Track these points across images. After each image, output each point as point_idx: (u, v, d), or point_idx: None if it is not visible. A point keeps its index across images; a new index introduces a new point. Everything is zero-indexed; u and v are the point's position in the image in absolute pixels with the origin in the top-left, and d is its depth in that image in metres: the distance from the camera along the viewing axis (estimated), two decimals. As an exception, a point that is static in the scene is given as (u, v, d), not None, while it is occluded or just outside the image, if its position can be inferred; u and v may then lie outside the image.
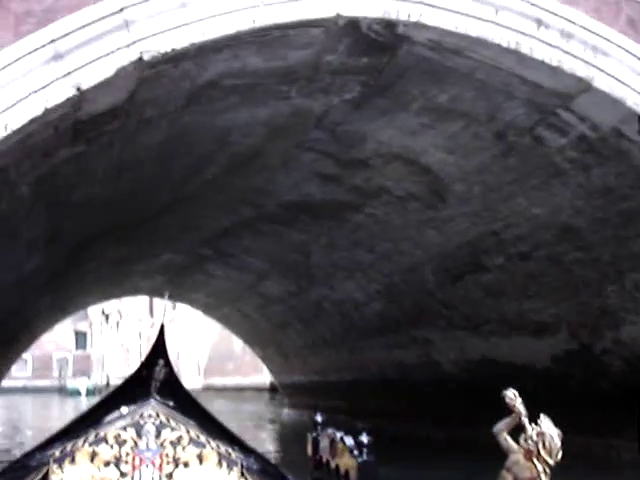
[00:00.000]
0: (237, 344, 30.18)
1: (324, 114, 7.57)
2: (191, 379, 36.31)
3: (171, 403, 4.41)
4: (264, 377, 27.80)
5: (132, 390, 4.55)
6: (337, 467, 2.46)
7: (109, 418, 4.35)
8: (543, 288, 9.52)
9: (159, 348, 4.91)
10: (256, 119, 7.57)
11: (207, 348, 34.22)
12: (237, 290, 17.50)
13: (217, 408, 28.70)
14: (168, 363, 4.72)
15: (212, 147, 8.34)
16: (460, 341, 11.98)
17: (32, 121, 5.16)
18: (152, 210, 10.96)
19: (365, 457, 2.31)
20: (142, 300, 45.00)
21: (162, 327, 5.10)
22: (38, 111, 5.14)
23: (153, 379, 4.50)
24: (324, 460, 2.78)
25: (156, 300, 42.19)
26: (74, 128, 5.85)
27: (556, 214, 8.22)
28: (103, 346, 60.85)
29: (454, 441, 12.90)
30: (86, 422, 4.49)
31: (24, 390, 60.26)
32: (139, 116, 6.39)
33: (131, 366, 45.04)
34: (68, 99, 5.21)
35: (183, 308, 37.28)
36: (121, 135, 6.64)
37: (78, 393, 48.76)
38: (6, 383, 63.12)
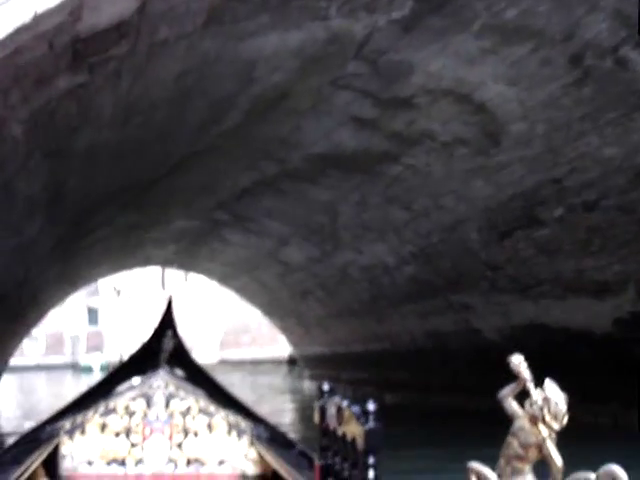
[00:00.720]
0: (253, 316, 29.32)
1: (366, 39, 6.45)
2: (206, 353, 35.57)
3: (180, 373, 4.43)
4: (282, 349, 26.95)
5: (141, 362, 4.52)
6: (344, 434, 2.38)
7: (119, 390, 4.34)
8: (608, 242, 8.42)
9: (167, 320, 4.85)
10: (287, 48, 6.47)
11: (222, 321, 33.36)
12: (255, 258, 16.49)
13: (233, 381, 27.88)
14: (176, 334, 4.70)
15: (234, 85, 7.24)
16: (505, 306, 10.94)
17: (19, 31, 4.10)
18: (165, 167, 9.91)
19: (372, 424, 2.18)
20: (154, 274, 44.19)
21: (170, 299, 5.05)
22: (26, 17, 4.07)
23: (162, 350, 4.49)
24: (331, 428, 2.65)
25: (168, 273, 41.35)
26: (73, 48, 4.79)
27: (633, 154, 7.09)
28: (115, 322, 60.37)
29: (494, 412, 11.98)
30: (96, 394, 4.46)
31: (37, 367, 59.82)
32: (151, 37, 5.31)
33: (144, 341, 44.36)
34: (64, 3, 4.15)
35: (196, 280, 36.38)
36: (130, 63, 5.57)
37: (91, 369, 48.12)
38: (19, 361, 62.72)
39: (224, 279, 20.58)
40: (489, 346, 11.71)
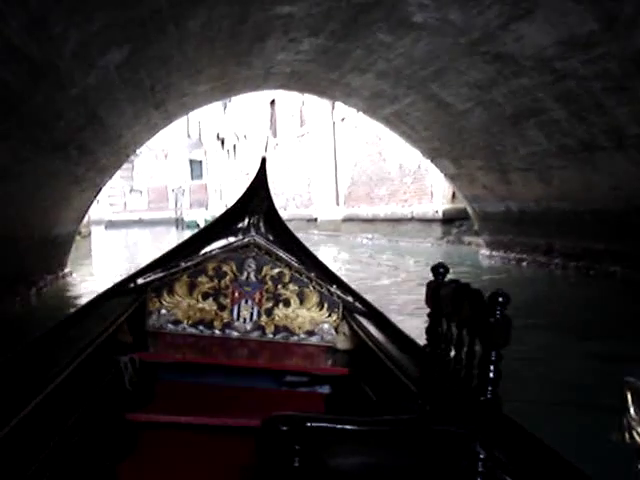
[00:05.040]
0: (393, 162, 23.02)
1: None
2: (327, 209, 29.93)
3: (271, 237, 4.26)
4: (433, 205, 20.76)
5: (232, 223, 4.37)
6: (461, 322, 1.92)
7: (208, 250, 4.16)
8: None
9: (260, 180, 4.57)
10: None
11: (349, 169, 27.23)
12: (449, 53, 9.93)
13: (362, 244, 21.99)
14: (269, 196, 4.52)
15: None
16: None
17: None
18: None
19: (499, 316, 1.65)
20: (263, 117, 38.44)
21: (264, 160, 4.72)
22: None
23: (253, 212, 4.34)
24: (444, 313, 2.04)
25: (280, 115, 35.31)
26: None
27: None
28: (220, 174, 56.12)
29: None
30: (185, 252, 4.25)
31: (140, 223, 57.63)
32: None
33: (253, 195, 39.18)
34: None
35: (315, 122, 30.26)
36: None
37: (196, 225, 43.95)
38: (122, 216, 60.70)
39: (372, 104, 14.14)
40: None
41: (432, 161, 15.51)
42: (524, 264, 13.58)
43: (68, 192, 11.26)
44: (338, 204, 28.66)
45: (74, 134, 8.63)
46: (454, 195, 20.16)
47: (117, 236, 43.11)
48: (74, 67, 6.59)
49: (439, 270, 2.18)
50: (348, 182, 26.87)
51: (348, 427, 1.87)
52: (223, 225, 4.46)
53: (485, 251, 15.61)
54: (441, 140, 13.81)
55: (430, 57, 10.31)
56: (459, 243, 19.82)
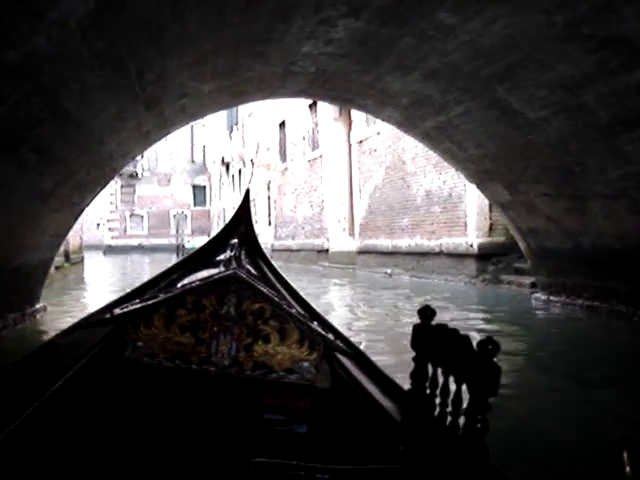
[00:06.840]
0: (418, 189, 20.56)
1: None
2: (340, 239, 27.45)
3: (253, 271, 4.13)
4: (467, 238, 18.26)
5: (214, 254, 4.29)
6: (447, 368, 1.92)
7: (188, 281, 4.02)
8: None
9: (243, 213, 4.59)
10: None
11: (366, 196, 24.74)
12: (531, 41, 7.52)
13: (377, 281, 19.13)
14: (252, 228, 4.50)
15: None
16: None
17: None
18: None
19: (488, 364, 1.62)
20: (271, 141, 36.16)
21: (247, 191, 4.69)
22: None
23: (235, 245, 4.25)
24: (429, 356, 2.06)
25: (290, 138, 32.98)
26: None
27: None
28: (224, 201, 53.91)
29: None
30: (164, 283, 4.13)
31: (140, 249, 55.68)
32: None
33: (259, 222, 36.84)
34: None
35: (331, 142, 27.90)
36: None
37: (198, 253, 41.64)
38: (121, 241, 58.43)
39: (412, 115, 11.70)
40: None
41: (478, 186, 13.03)
42: (597, 314, 11.02)
43: (32, 212, 8.81)
44: (353, 234, 26.18)
45: (27, 129, 6.17)
46: (491, 227, 17.71)
47: (115, 263, 40.74)
48: (5, 11, 4.15)
49: (426, 313, 2.13)
50: (365, 210, 24.39)
51: (327, 477, 1.86)
52: (204, 257, 4.35)
53: (540, 295, 13.05)
54: (496, 160, 11.34)
55: (505, 46, 7.88)
56: (497, 282, 17.24)
